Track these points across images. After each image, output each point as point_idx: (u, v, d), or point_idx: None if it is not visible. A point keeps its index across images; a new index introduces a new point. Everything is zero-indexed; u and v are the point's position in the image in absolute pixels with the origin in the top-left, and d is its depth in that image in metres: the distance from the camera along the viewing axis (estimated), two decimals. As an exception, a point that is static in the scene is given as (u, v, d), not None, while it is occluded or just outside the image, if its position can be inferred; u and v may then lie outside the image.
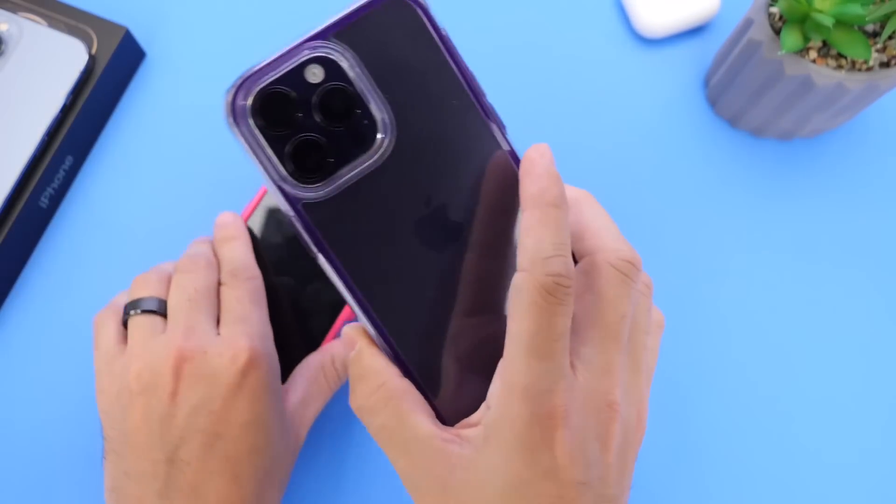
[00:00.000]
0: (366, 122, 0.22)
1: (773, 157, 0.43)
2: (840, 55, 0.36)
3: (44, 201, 0.39)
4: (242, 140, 0.21)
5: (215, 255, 0.33)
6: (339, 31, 0.21)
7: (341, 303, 0.35)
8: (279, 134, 0.21)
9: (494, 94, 0.44)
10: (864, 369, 0.39)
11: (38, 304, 0.39)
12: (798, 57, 0.36)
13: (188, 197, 0.41)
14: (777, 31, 0.37)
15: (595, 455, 0.22)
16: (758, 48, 0.37)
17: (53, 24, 0.41)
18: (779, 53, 0.36)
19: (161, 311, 0.31)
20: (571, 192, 0.26)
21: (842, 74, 0.36)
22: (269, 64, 0.21)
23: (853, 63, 0.36)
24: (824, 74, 0.36)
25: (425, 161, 0.23)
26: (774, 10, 0.38)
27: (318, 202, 0.22)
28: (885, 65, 0.36)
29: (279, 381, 0.31)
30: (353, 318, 0.35)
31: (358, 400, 0.23)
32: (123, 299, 0.32)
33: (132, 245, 0.40)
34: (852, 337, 0.40)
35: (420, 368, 0.24)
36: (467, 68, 0.23)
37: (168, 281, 0.32)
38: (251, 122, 0.21)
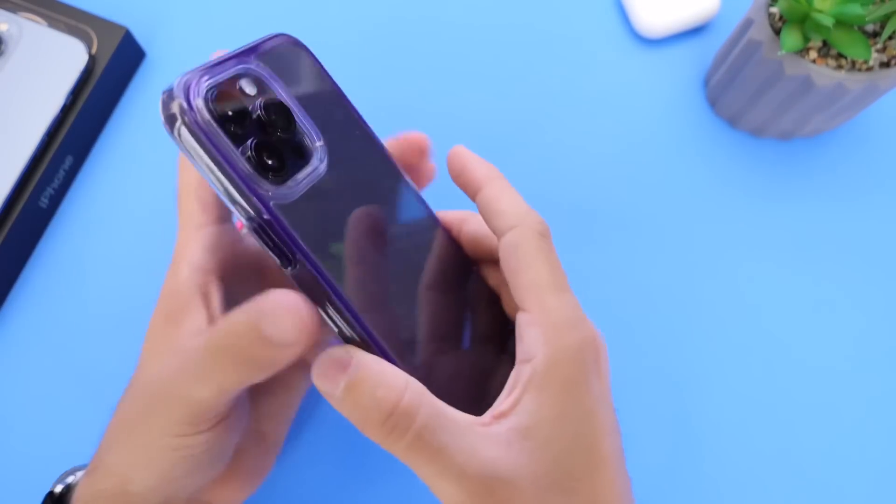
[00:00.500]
0: (303, 130, 0.23)
1: (772, 157, 0.43)
2: (840, 55, 0.36)
3: (44, 201, 0.39)
4: (202, 139, 0.20)
5: None
6: (259, 54, 0.22)
7: None
8: (236, 133, 0.21)
9: (494, 93, 0.44)
10: (864, 369, 0.39)
11: (38, 304, 0.39)
12: (798, 57, 0.36)
13: (188, 197, 0.41)
14: (777, 31, 0.37)
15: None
16: (758, 48, 0.37)
17: (53, 24, 0.41)
18: (779, 53, 0.36)
19: None
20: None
21: (842, 74, 0.36)
22: (206, 69, 0.20)
23: (853, 63, 0.36)
24: (824, 74, 0.36)
25: (355, 170, 0.24)
26: (774, 10, 0.38)
27: (287, 203, 0.21)
28: (885, 65, 0.36)
29: None
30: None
31: (381, 412, 0.21)
32: None
33: (132, 245, 0.40)
34: (852, 337, 0.40)
35: (413, 370, 0.24)
36: (349, 100, 0.26)
37: None
38: (208, 119, 0.20)
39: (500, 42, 0.45)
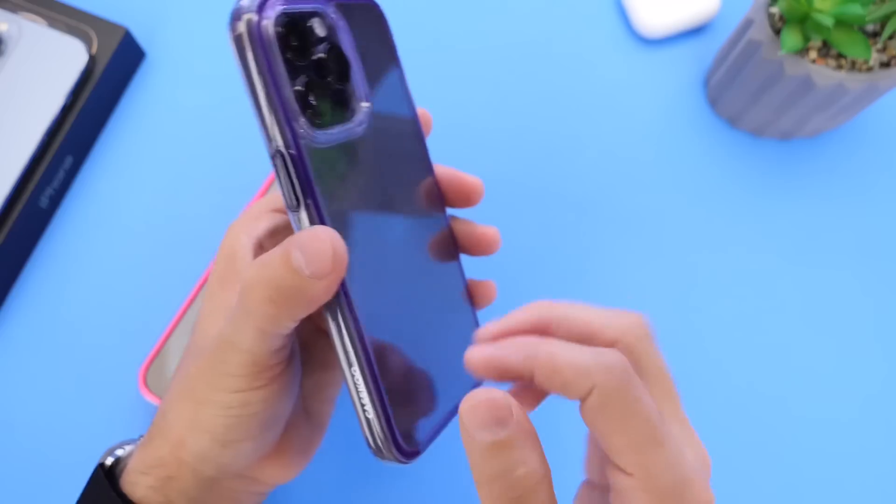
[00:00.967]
0: (354, 89, 0.23)
1: (773, 157, 0.43)
2: (840, 55, 0.37)
3: (44, 201, 0.39)
4: (258, 53, 0.20)
5: None
6: (339, 3, 0.23)
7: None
8: (293, 63, 0.21)
9: (494, 93, 0.44)
10: (863, 368, 0.39)
11: (38, 304, 0.39)
12: (798, 57, 0.36)
13: (188, 197, 0.41)
14: (777, 32, 0.37)
15: None
16: (758, 48, 0.37)
17: (53, 24, 0.41)
18: (779, 53, 0.36)
19: None
20: (538, 308, 0.24)
21: (842, 74, 0.36)
22: None
23: (853, 63, 0.36)
24: (824, 74, 0.36)
25: (388, 146, 0.25)
26: (774, 10, 0.38)
27: (314, 147, 0.21)
28: (885, 65, 0.37)
29: None
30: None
31: (513, 488, 0.19)
32: None
33: (132, 245, 0.40)
34: (852, 336, 0.40)
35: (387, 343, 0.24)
36: (406, 81, 0.26)
37: None
38: (272, 41, 0.20)
39: (501, 42, 0.45)
